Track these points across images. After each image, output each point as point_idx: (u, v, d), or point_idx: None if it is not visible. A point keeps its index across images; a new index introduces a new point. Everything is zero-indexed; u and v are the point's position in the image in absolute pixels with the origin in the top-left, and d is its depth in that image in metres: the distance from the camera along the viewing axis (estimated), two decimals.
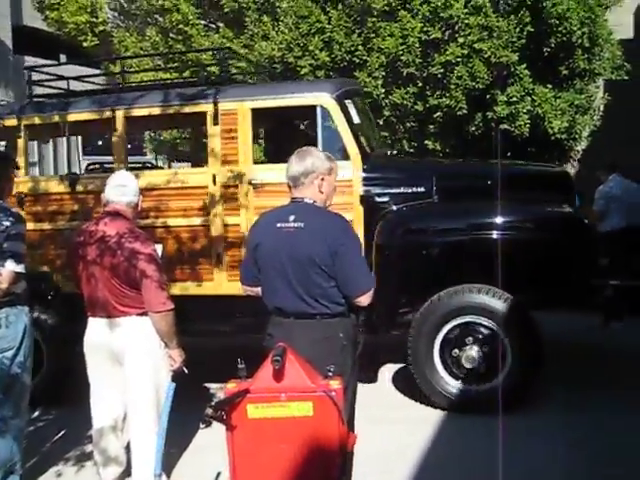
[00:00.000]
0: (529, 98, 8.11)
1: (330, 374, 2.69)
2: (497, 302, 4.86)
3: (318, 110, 5.35)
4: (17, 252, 3.56)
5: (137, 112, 5.72)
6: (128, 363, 3.65)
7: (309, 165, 3.15)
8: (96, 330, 3.70)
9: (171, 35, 9.59)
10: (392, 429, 4.75)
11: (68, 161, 6.02)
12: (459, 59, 7.76)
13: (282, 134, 6.91)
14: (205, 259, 5.45)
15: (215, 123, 5.41)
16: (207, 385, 5.63)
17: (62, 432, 4.95)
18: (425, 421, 4.87)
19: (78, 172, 6.41)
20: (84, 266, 3.66)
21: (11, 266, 3.50)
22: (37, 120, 5.84)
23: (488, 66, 7.86)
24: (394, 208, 5.27)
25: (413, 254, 5.11)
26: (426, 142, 8.16)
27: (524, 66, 8.07)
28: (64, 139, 5.97)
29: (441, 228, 5.23)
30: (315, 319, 3.06)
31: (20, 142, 5.78)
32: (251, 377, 2.66)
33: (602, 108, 9.16)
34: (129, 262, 3.54)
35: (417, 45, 7.87)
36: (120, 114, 5.60)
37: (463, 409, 4.91)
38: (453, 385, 5.00)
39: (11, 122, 5.80)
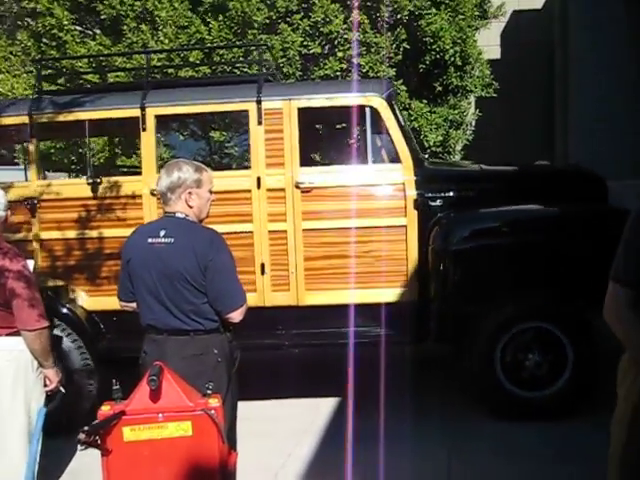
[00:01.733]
0: (406, 112, 8.39)
1: (209, 392, 2.65)
2: (558, 306, 4.76)
3: (367, 111, 5.12)
4: None
5: (172, 110, 5.32)
6: None
7: (175, 179, 3.08)
8: None
9: (44, 40, 9.22)
10: (275, 442, 4.73)
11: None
12: (338, 73, 7.92)
13: (328, 135, 6.57)
14: (247, 268, 5.04)
15: (259, 122, 5.12)
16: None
17: None
18: (308, 432, 4.89)
19: None
20: None
21: None
22: (52, 118, 5.29)
23: None
24: (449, 212, 5.04)
25: (470, 260, 4.90)
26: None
27: (401, 81, 8.35)
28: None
29: (498, 232, 4.97)
30: (189, 335, 3.01)
31: (32, 143, 5.27)
32: (127, 398, 2.59)
33: (473, 123, 9.62)
34: (7, 279, 3.31)
35: (297, 58, 7.97)
36: (151, 112, 5.15)
37: (523, 415, 4.78)
38: (515, 392, 4.86)
39: (20, 120, 5.24)
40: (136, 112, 5.18)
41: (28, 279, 3.42)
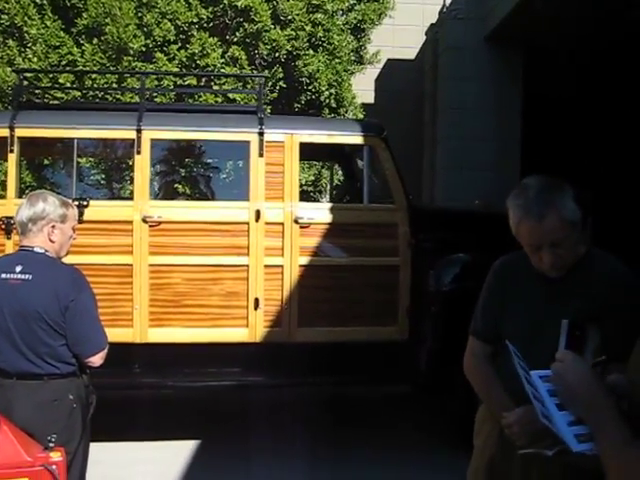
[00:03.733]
0: None
1: (51, 445, 2.50)
2: None
3: (365, 150, 5.15)
4: None
5: (167, 135, 5.09)
6: None
7: (39, 210, 2.93)
8: None
9: None
10: None
11: None
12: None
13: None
14: (240, 302, 4.92)
15: (260, 154, 4.95)
16: None
17: None
18: (165, 476, 4.73)
19: None
20: None
21: None
22: (35, 133, 4.94)
23: None
24: (442, 254, 5.08)
25: (459, 301, 4.72)
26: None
27: None
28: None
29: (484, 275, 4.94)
30: (42, 380, 2.84)
31: (12, 157, 4.82)
32: None
33: None
34: None
35: (172, 88, 7.89)
36: (147, 136, 4.87)
37: None
38: None
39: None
40: (131, 134, 4.96)
41: None
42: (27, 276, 2.85)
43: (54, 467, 2.41)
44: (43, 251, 2.94)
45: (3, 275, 2.86)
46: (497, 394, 2.25)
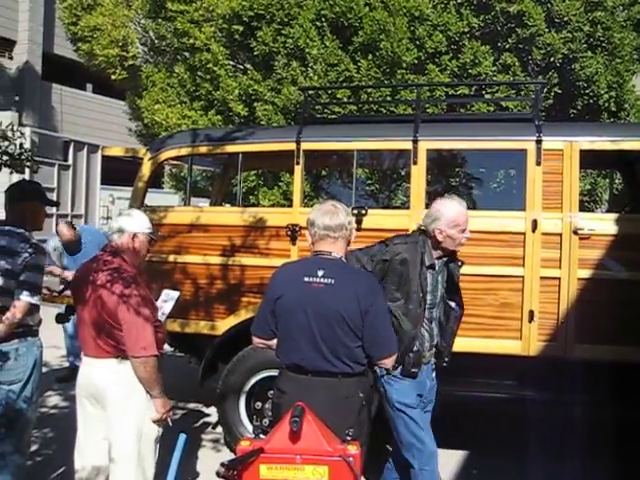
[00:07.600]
0: None
1: (348, 438, 2.59)
2: None
3: None
4: (34, 283, 3.58)
5: (442, 145, 5.34)
6: (110, 408, 3.41)
7: (343, 220, 3.08)
8: (84, 370, 3.50)
9: (199, 74, 9.67)
10: None
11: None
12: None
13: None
14: (514, 314, 4.90)
15: (537, 163, 4.90)
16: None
17: (61, 469, 4.81)
18: None
19: None
20: (79, 303, 3.50)
21: (26, 298, 3.52)
22: (318, 146, 5.43)
23: None
24: None
25: None
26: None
27: None
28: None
29: None
30: (336, 378, 2.95)
31: (297, 169, 5.33)
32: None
33: None
34: (116, 303, 3.34)
35: (444, 98, 7.92)
36: (423, 146, 5.11)
37: None
38: None
39: (288, 146, 5.36)
40: (408, 145, 5.13)
41: (138, 307, 3.37)
42: (329, 280, 2.97)
43: (351, 459, 2.50)
44: (340, 256, 3.07)
45: (305, 279, 3.00)
46: None
